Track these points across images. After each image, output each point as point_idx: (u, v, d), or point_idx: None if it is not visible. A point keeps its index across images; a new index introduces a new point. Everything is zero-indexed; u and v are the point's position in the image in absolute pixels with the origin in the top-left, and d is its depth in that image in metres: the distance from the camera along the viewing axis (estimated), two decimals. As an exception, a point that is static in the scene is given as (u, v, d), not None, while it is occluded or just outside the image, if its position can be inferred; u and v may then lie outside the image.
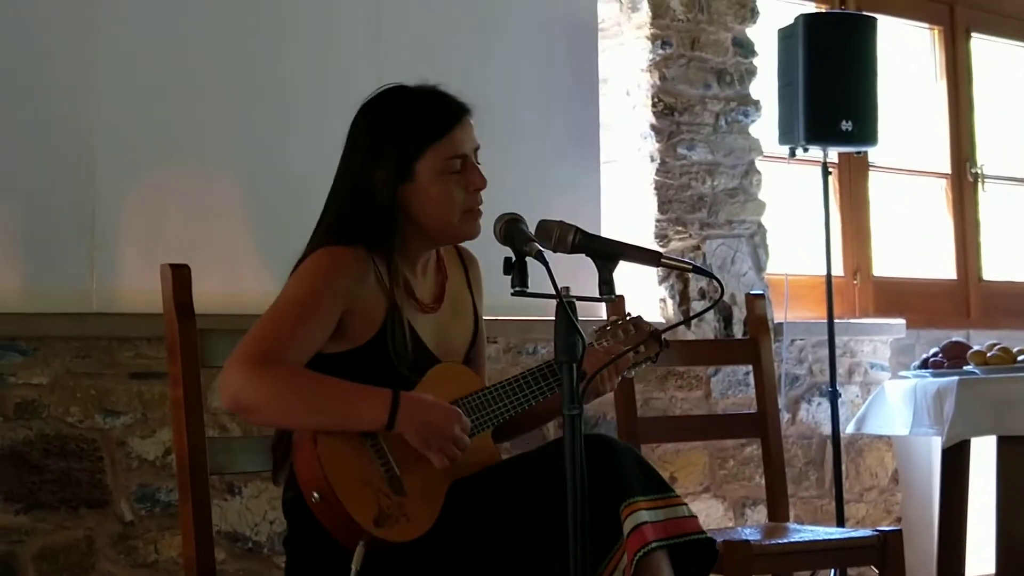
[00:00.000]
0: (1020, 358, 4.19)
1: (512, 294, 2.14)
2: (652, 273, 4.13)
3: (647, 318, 2.64)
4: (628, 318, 2.56)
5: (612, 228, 4.03)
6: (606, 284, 2.16)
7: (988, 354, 4.21)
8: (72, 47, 3.16)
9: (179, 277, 2.48)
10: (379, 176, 2.37)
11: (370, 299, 2.35)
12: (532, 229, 2.21)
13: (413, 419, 2.25)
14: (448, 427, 2.27)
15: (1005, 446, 4.10)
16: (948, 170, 5.25)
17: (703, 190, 4.28)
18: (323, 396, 2.25)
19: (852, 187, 4.91)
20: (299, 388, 2.24)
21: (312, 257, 2.35)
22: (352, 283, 2.33)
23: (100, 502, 3.13)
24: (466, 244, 2.59)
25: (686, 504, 2.29)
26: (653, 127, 4.21)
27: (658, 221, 4.19)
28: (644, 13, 4.22)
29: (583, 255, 2.19)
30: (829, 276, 4.30)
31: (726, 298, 4.27)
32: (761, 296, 3.63)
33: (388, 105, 2.42)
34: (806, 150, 4.27)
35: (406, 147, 2.37)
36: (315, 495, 2.21)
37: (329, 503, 2.20)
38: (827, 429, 4.41)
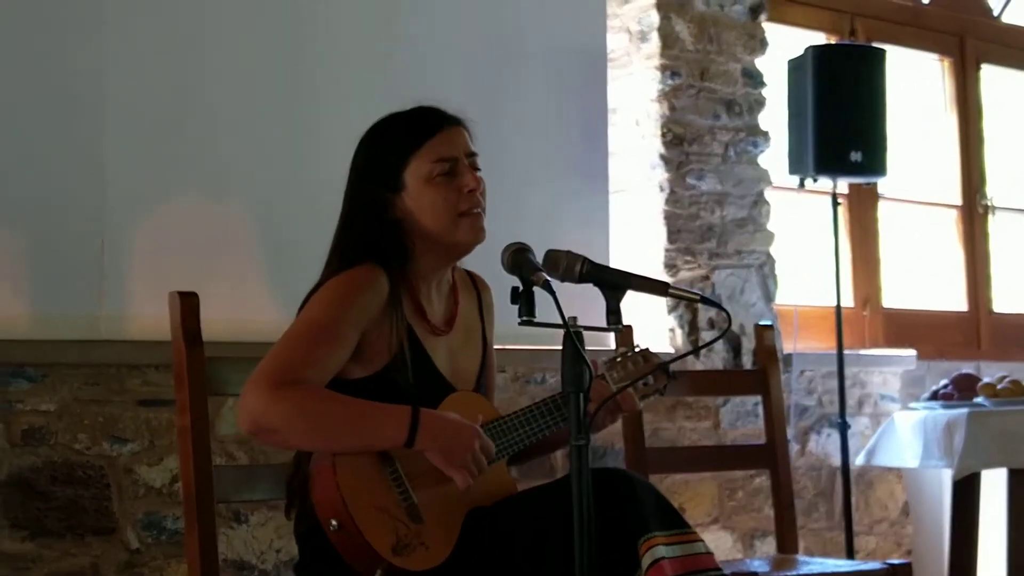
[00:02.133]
0: (1030, 390, 4.18)
1: (519, 323, 2.14)
2: (661, 303, 4.12)
3: (656, 348, 2.63)
4: (637, 350, 2.56)
5: (621, 258, 4.03)
6: (614, 314, 2.16)
7: (998, 386, 4.20)
8: (82, 75, 3.17)
9: (187, 305, 2.48)
10: (374, 192, 2.42)
11: (387, 320, 2.36)
12: (540, 258, 2.21)
13: (433, 435, 2.25)
14: (469, 442, 2.27)
15: (1016, 479, 4.08)
16: (958, 201, 5.25)
17: (712, 220, 4.28)
18: (342, 415, 2.25)
19: (862, 218, 4.90)
20: (318, 407, 2.25)
21: (330, 282, 2.37)
22: (370, 304, 2.34)
23: (107, 529, 3.13)
24: (480, 272, 2.60)
25: (703, 540, 2.28)
26: (662, 157, 4.21)
27: (667, 251, 4.19)
28: (653, 44, 4.24)
29: (591, 285, 2.19)
30: (839, 307, 4.30)
31: (735, 328, 4.26)
32: (770, 327, 3.62)
33: (377, 128, 2.49)
34: (815, 180, 4.28)
35: (393, 158, 2.42)
36: (333, 523, 2.21)
37: (348, 531, 2.20)
38: (837, 460, 4.40)
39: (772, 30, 4.53)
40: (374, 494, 2.23)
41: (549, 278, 2.15)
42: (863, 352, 4.73)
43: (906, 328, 4.95)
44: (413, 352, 2.38)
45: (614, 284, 2.18)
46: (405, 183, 2.41)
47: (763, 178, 4.42)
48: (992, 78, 5.40)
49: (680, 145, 4.23)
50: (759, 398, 3.71)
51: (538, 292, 2.14)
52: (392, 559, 2.19)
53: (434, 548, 2.24)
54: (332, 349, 2.30)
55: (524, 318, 2.13)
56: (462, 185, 2.41)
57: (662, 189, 4.21)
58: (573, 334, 2.04)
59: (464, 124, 2.48)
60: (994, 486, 4.22)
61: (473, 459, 2.27)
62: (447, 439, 2.26)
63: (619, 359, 2.53)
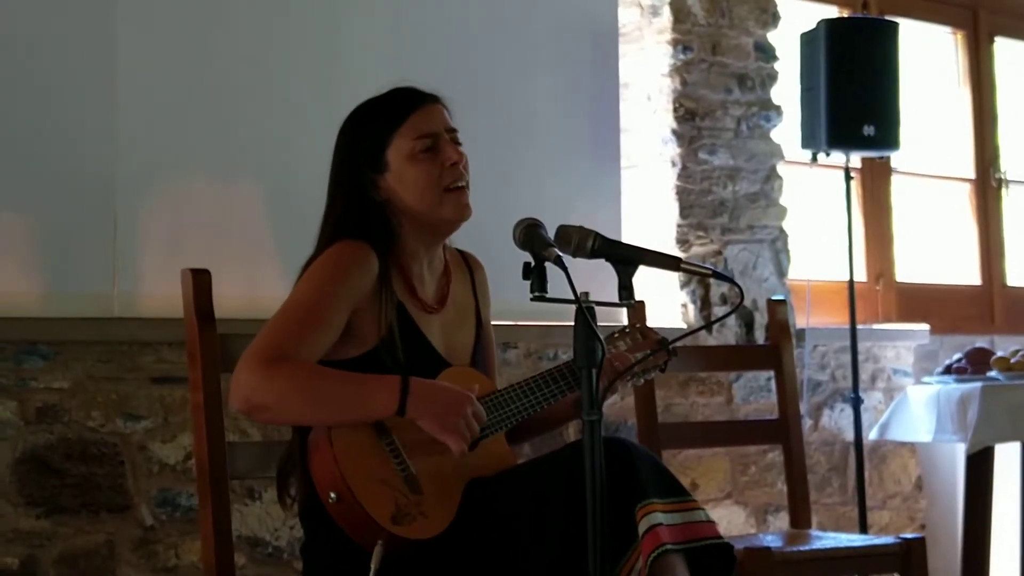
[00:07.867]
0: (1044, 364, 4.17)
1: (531, 299, 2.13)
2: (674, 278, 4.12)
3: (668, 323, 2.63)
4: (636, 326, 2.56)
5: (633, 233, 4.02)
6: (625, 289, 2.16)
7: (1012, 360, 4.20)
8: (93, 54, 3.17)
9: (200, 282, 2.49)
10: (358, 174, 2.43)
11: (377, 298, 2.36)
12: (551, 234, 2.21)
13: (424, 402, 2.25)
14: (461, 407, 2.27)
15: (1029, 453, 4.08)
16: (972, 175, 5.22)
17: (724, 195, 4.27)
18: (333, 387, 2.26)
19: (875, 192, 4.89)
20: (309, 381, 2.25)
21: (320, 259, 2.37)
22: (360, 282, 2.35)
23: (121, 507, 3.14)
24: (473, 252, 2.60)
25: (703, 509, 2.28)
26: (674, 132, 4.20)
27: (679, 226, 4.18)
28: (665, 18, 4.22)
29: (603, 260, 2.19)
30: (851, 281, 4.29)
31: (748, 303, 4.26)
32: (783, 302, 3.61)
33: (356, 113, 2.50)
34: (828, 155, 4.26)
35: (374, 139, 2.43)
36: (332, 495, 2.21)
37: (346, 503, 2.21)
38: (850, 435, 4.39)
39: (784, 3, 4.51)
40: (372, 465, 2.24)
41: (561, 253, 2.15)
42: (876, 327, 4.72)
43: (919, 302, 4.94)
44: (406, 329, 2.39)
45: (626, 259, 2.17)
46: (388, 163, 2.42)
47: (775, 152, 4.40)
48: (1006, 51, 5.37)
49: (692, 120, 4.22)
50: (772, 373, 3.70)
51: (550, 268, 2.13)
52: (392, 529, 2.20)
53: (434, 517, 2.25)
54: (323, 327, 2.30)
55: (536, 294, 2.12)
56: (444, 159, 2.42)
57: (674, 164, 4.20)
58: (585, 310, 2.03)
59: (442, 101, 2.48)
60: (1007, 460, 4.21)
61: (466, 424, 2.27)
62: (439, 405, 2.26)
63: (617, 334, 2.53)
